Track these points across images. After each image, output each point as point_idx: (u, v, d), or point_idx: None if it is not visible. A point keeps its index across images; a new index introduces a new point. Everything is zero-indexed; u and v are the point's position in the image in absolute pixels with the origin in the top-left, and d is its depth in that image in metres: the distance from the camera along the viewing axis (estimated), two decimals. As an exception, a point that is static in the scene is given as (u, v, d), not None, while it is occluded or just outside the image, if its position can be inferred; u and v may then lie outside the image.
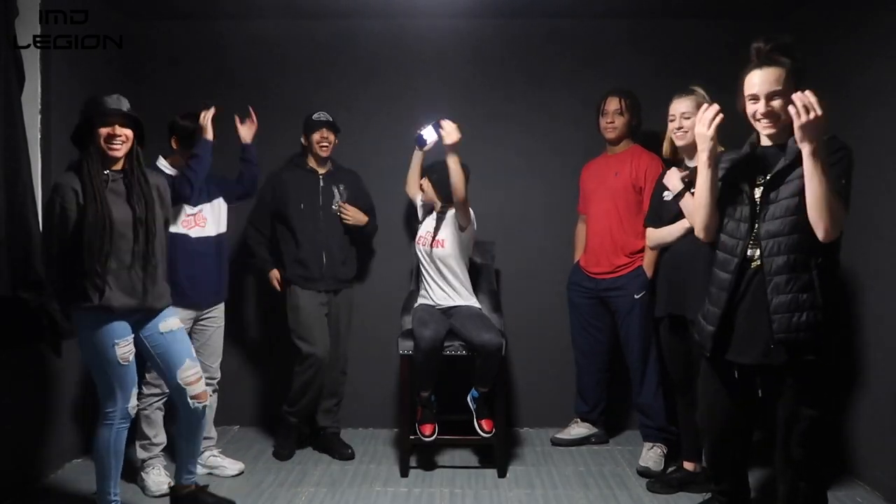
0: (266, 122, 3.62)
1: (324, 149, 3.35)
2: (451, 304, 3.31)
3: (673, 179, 2.84)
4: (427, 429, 3.19)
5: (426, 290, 3.38)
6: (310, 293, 3.34)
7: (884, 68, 2.93)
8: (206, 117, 2.94)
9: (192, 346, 2.68)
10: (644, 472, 3.16)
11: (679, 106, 2.81)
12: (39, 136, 3.01)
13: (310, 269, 3.33)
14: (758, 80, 2.10)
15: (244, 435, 3.71)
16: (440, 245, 3.29)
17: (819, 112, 1.93)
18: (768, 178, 2.13)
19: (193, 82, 3.79)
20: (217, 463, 3.16)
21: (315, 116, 3.36)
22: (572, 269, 3.58)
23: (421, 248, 3.37)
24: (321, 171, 3.41)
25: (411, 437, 3.20)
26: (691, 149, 2.82)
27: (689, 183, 2.80)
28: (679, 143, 2.83)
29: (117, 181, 2.46)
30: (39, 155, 3.00)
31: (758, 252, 2.14)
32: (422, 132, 3.32)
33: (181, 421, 2.62)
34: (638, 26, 3.78)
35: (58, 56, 3.09)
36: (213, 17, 3.76)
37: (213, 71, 3.82)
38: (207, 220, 3.05)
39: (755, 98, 2.12)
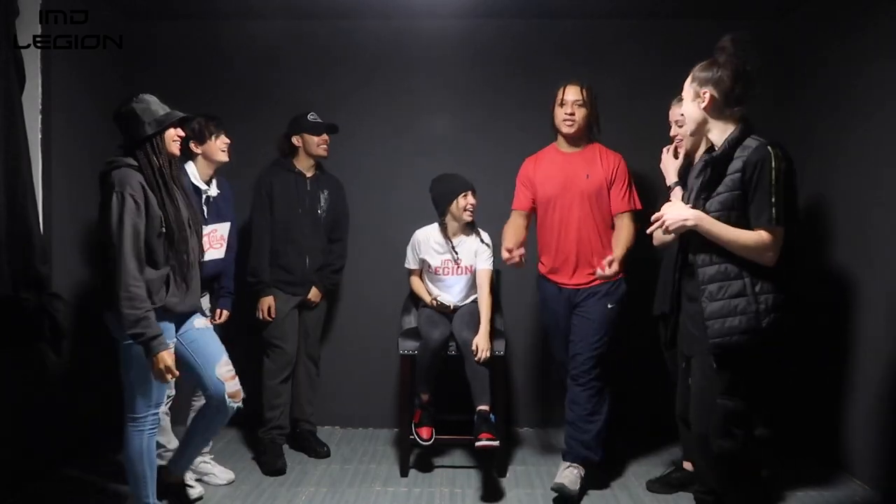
0: (265, 121, 3.64)
1: (324, 150, 3.33)
2: (461, 304, 3.32)
3: (670, 168, 2.82)
4: (425, 432, 3.18)
5: (436, 294, 3.36)
6: (286, 296, 3.32)
7: (883, 68, 2.93)
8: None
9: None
10: (559, 489, 2.87)
11: (674, 112, 2.82)
12: (39, 136, 3.01)
13: (293, 274, 3.31)
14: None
15: (244, 436, 3.71)
16: (468, 271, 3.29)
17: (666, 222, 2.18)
18: (697, 189, 2.20)
19: (193, 82, 3.79)
20: (207, 470, 3.09)
21: (311, 118, 3.31)
22: (540, 283, 3.16)
23: (440, 275, 3.32)
24: (308, 174, 3.37)
25: (410, 437, 3.20)
26: (693, 155, 2.82)
27: (683, 177, 2.81)
28: (680, 150, 2.81)
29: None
30: (39, 155, 3.00)
31: (690, 255, 2.23)
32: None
33: (205, 418, 2.56)
34: (638, 26, 3.78)
35: (58, 56, 3.09)
36: (213, 17, 3.77)
37: (212, 71, 3.83)
38: (225, 242, 3.04)
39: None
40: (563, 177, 3.01)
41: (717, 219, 2.11)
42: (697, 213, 2.14)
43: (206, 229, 2.89)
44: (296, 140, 3.34)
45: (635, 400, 3.75)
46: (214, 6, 3.60)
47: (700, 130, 2.21)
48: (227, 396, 2.48)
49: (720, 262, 2.12)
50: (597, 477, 3.06)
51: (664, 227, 2.19)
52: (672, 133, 2.84)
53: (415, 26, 3.78)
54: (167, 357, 2.27)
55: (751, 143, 2.10)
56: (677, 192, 2.74)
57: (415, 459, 3.34)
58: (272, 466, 3.23)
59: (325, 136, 3.33)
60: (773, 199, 2.03)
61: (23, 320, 2.75)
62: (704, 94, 2.14)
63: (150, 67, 3.79)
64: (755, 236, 2.06)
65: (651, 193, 3.19)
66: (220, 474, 3.10)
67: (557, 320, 3.09)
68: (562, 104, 3.00)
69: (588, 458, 2.97)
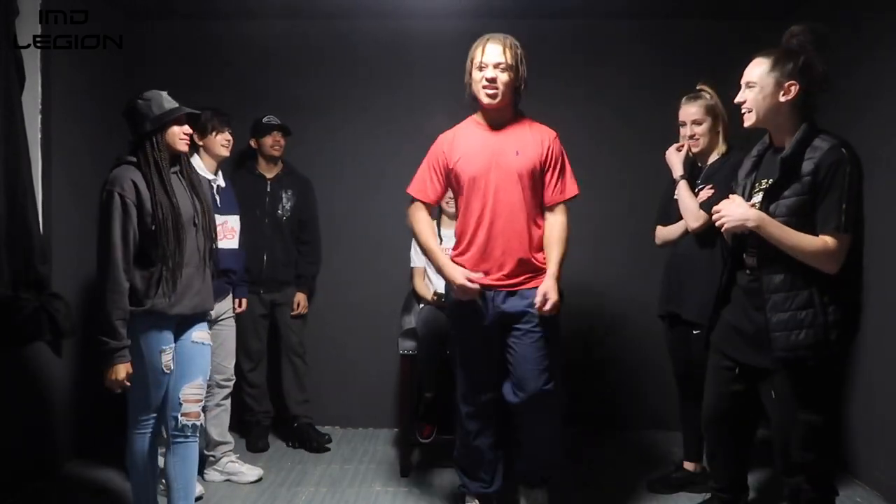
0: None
1: (276, 150, 3.46)
2: None
3: (675, 161, 2.80)
4: (425, 430, 3.22)
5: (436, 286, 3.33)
6: (248, 298, 3.40)
7: (884, 68, 2.93)
8: None
9: (209, 370, 2.52)
10: None
11: (688, 111, 2.77)
12: (39, 136, 3.01)
13: (250, 272, 3.39)
14: (746, 70, 2.09)
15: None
16: None
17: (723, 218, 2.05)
18: (766, 188, 2.08)
19: (193, 82, 3.78)
20: (235, 469, 3.11)
21: (266, 120, 3.44)
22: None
23: None
24: (269, 175, 3.50)
25: (411, 437, 3.20)
26: (706, 154, 2.80)
27: (691, 168, 2.80)
28: (694, 149, 2.79)
29: (173, 177, 2.37)
30: (39, 155, 3.00)
31: (750, 258, 2.12)
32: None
33: (171, 449, 2.41)
34: (640, 26, 3.77)
35: (58, 56, 3.09)
36: (212, 17, 3.77)
37: (212, 71, 3.83)
38: (236, 233, 3.10)
39: (740, 87, 2.11)
40: (487, 153, 2.46)
41: (784, 223, 2.00)
42: (759, 214, 2.01)
43: (219, 220, 2.90)
44: (253, 143, 3.49)
45: (636, 399, 3.75)
46: (214, 6, 3.60)
47: (768, 124, 2.08)
48: (180, 415, 2.37)
49: (787, 270, 2.00)
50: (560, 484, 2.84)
51: (721, 226, 2.07)
52: (690, 132, 2.76)
53: (414, 26, 3.77)
54: (120, 370, 2.19)
55: (821, 143, 1.99)
56: (683, 185, 2.74)
57: (415, 459, 3.34)
58: (254, 446, 3.46)
59: (276, 137, 3.44)
60: (845, 206, 1.93)
61: (23, 320, 2.75)
62: (791, 86, 2.01)
63: (150, 67, 3.78)
64: (819, 243, 1.95)
65: (655, 192, 3.17)
66: (249, 472, 3.12)
67: (480, 333, 2.53)
68: (480, 67, 2.41)
69: (552, 477, 2.67)
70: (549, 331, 2.49)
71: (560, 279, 2.47)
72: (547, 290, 2.42)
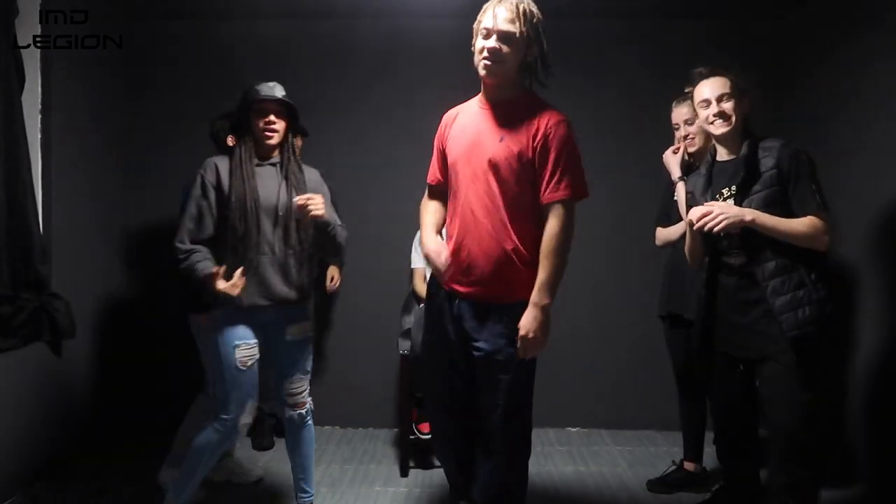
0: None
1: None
2: None
3: (672, 163, 2.82)
4: (425, 427, 3.22)
5: None
6: None
7: (884, 68, 2.93)
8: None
9: (310, 359, 2.56)
10: None
11: (680, 112, 2.81)
12: (39, 136, 3.01)
13: None
14: (707, 88, 2.30)
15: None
16: None
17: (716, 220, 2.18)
18: (734, 190, 2.25)
19: (194, 83, 3.79)
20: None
21: None
22: (430, 283, 2.34)
23: None
24: None
25: (411, 437, 3.20)
26: (702, 154, 2.81)
27: (688, 170, 2.80)
28: (690, 149, 2.80)
29: (266, 167, 2.43)
30: (39, 155, 3.00)
31: (734, 259, 2.28)
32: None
33: (287, 433, 2.59)
34: (637, 26, 3.77)
35: (58, 56, 3.09)
36: (213, 17, 3.76)
37: (212, 71, 3.82)
38: None
39: (706, 102, 2.30)
40: (471, 136, 2.11)
41: None
42: (753, 210, 2.17)
43: None
44: None
45: (636, 399, 3.75)
46: (214, 6, 3.60)
47: (734, 132, 2.28)
48: (286, 407, 2.52)
49: (775, 257, 2.18)
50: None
51: (716, 226, 2.17)
52: (683, 133, 2.80)
53: (416, 26, 3.77)
54: (215, 278, 2.22)
55: (771, 143, 2.22)
56: (682, 186, 2.75)
57: (415, 459, 3.34)
58: (259, 444, 3.49)
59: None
60: (815, 187, 2.15)
61: (23, 320, 2.75)
62: (748, 99, 2.30)
63: (150, 67, 3.79)
64: (809, 223, 2.14)
65: (654, 193, 3.17)
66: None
67: (442, 344, 2.19)
68: (486, 34, 2.03)
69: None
70: (517, 362, 2.06)
71: (543, 305, 1.99)
72: (523, 326, 2.00)
